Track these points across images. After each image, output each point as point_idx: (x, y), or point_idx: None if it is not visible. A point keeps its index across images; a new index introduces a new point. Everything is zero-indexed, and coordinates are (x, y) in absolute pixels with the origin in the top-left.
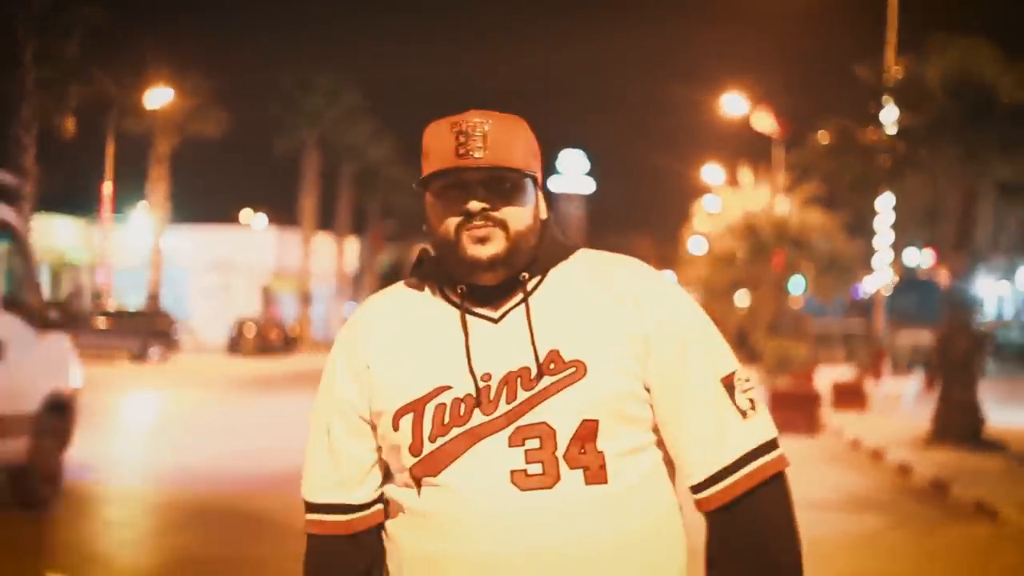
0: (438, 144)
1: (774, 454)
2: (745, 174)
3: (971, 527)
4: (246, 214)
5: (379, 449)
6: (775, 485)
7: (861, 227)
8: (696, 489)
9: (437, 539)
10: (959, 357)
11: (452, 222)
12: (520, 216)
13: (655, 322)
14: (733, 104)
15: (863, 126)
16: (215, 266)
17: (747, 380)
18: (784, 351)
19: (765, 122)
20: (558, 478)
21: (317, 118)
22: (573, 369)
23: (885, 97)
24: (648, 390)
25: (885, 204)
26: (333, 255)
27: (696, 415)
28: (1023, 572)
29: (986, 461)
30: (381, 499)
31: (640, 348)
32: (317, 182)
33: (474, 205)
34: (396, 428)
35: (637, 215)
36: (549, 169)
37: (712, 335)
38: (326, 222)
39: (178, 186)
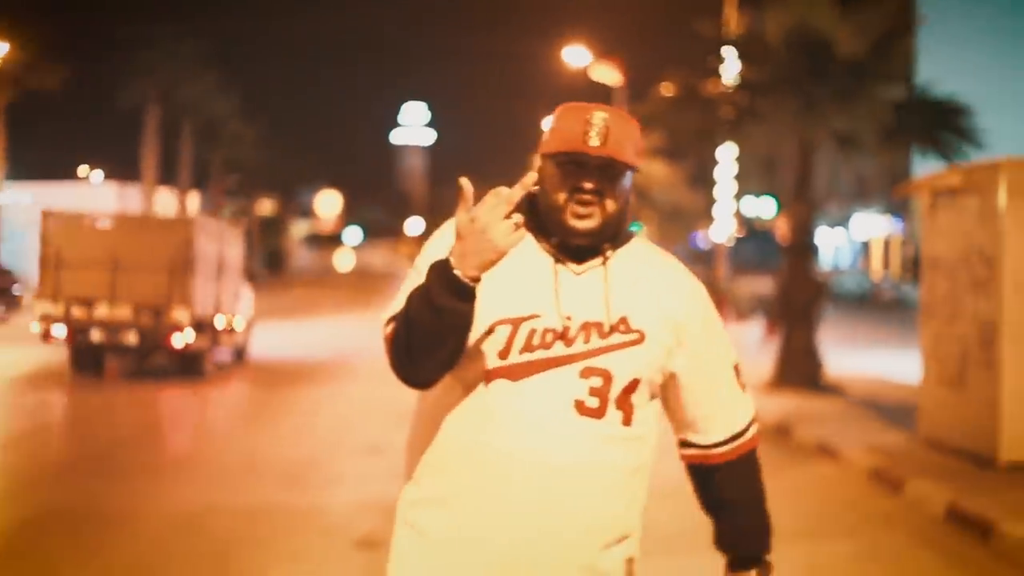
0: (569, 125)
1: (757, 424)
2: None
3: (813, 466)
4: (85, 170)
5: None
6: (755, 452)
7: (703, 178)
8: (715, 446)
9: (499, 430)
10: (799, 305)
11: (562, 195)
12: (617, 200)
13: (693, 317)
14: (575, 56)
15: (705, 79)
16: None
17: (738, 369)
18: None
19: (607, 74)
20: (605, 414)
21: (157, 71)
22: (637, 335)
23: (726, 50)
24: (669, 368)
25: (726, 155)
26: (174, 209)
27: (718, 391)
28: (861, 507)
29: (826, 404)
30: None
31: (676, 334)
32: (158, 136)
33: (587, 185)
34: (491, 332)
35: (480, 166)
36: (391, 122)
37: (723, 330)
38: (168, 177)
39: (16, 141)
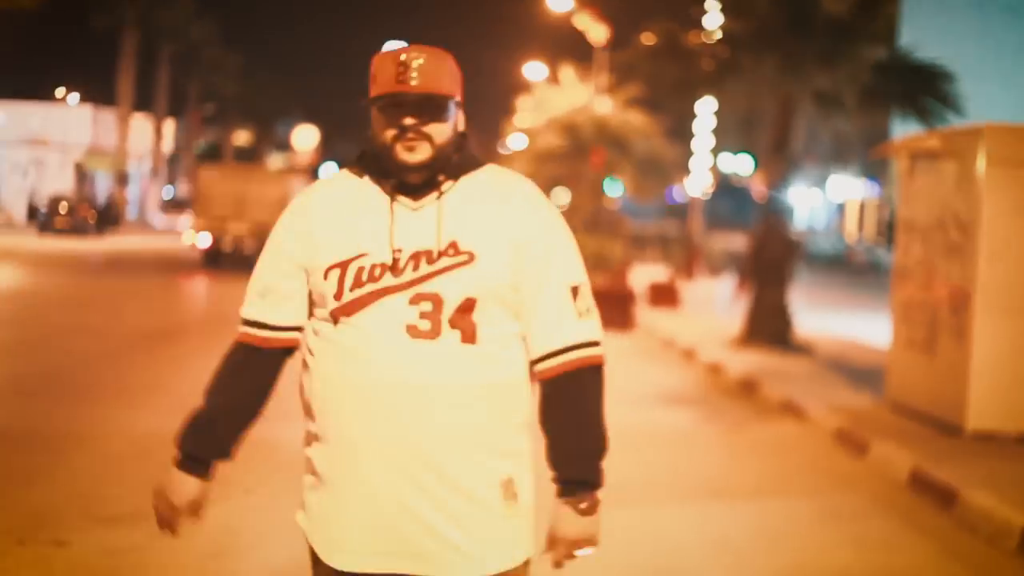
0: (383, 71)
1: (595, 350)
2: (567, 73)
3: (778, 424)
4: (61, 91)
5: (308, 293)
6: (592, 372)
7: (681, 132)
8: (534, 363)
9: (346, 362)
10: (771, 263)
11: (390, 133)
12: (443, 131)
13: (531, 235)
14: (557, 2)
15: (687, 30)
16: (27, 142)
17: (589, 293)
18: (600, 249)
19: (588, 21)
20: (440, 334)
21: None
22: (466, 257)
23: (708, 2)
24: (519, 287)
25: (706, 109)
26: (150, 136)
27: (544, 308)
28: (824, 468)
29: (793, 363)
30: (292, 330)
31: (516, 252)
32: (135, 61)
33: (408, 121)
34: (325, 279)
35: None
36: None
37: (570, 251)
38: (144, 103)
39: None
